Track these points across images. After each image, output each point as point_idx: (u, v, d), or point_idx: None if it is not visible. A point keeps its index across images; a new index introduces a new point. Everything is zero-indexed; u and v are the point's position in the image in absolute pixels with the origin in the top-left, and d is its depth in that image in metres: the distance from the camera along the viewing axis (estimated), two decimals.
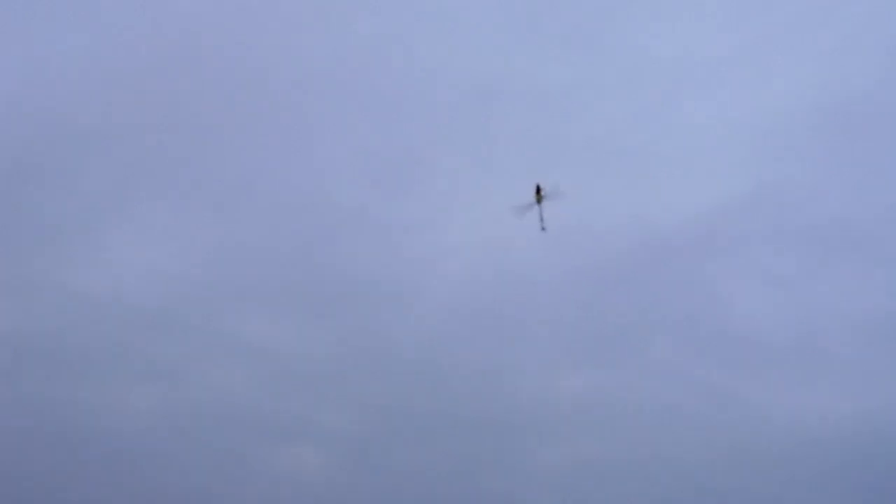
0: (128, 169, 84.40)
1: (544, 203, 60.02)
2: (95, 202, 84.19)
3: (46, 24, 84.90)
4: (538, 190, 59.78)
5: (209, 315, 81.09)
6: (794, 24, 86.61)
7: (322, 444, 78.20)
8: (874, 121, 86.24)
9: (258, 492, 74.89)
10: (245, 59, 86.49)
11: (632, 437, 77.92)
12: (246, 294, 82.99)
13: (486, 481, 76.36)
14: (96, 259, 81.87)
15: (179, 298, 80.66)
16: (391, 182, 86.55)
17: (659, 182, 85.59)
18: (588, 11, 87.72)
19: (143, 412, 77.33)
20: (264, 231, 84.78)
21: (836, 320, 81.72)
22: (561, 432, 78.31)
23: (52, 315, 79.07)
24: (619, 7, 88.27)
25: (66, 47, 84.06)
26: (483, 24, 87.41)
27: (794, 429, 76.83)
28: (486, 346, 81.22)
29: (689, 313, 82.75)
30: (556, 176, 74.74)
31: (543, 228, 60.73)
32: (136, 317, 79.90)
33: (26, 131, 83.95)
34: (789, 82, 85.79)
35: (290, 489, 75.41)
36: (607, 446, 77.78)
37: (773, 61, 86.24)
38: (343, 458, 77.88)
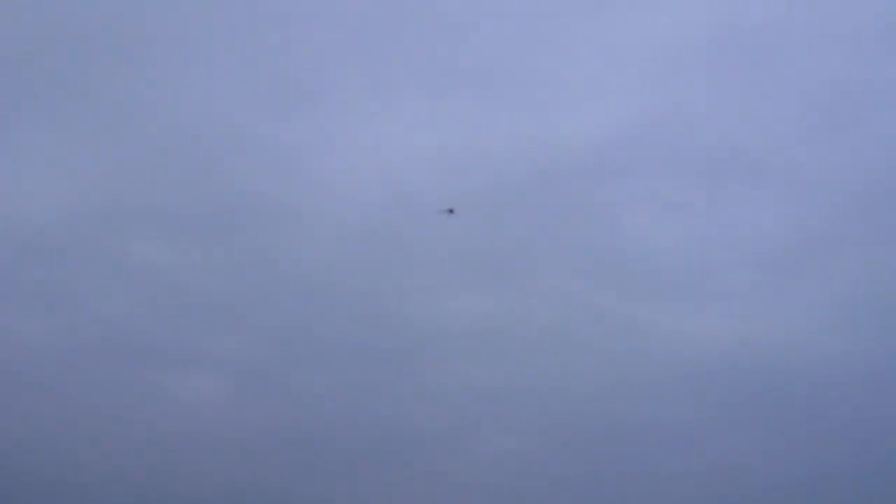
0: (9, 90, 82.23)
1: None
2: None
3: None
4: (450, 210, 74.86)
5: (99, 241, 79.70)
6: None
7: (216, 371, 77.74)
8: (767, 48, 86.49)
9: (152, 421, 74.54)
10: None
11: (523, 362, 78.26)
12: (136, 218, 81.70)
13: (380, 406, 76.92)
14: None
15: (67, 224, 79.15)
16: (282, 104, 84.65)
17: (554, 106, 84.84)
18: None
19: (31, 341, 76.09)
20: (153, 154, 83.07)
21: (728, 246, 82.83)
22: (452, 357, 78.39)
23: None
24: None
25: None
26: None
27: (686, 354, 77.70)
28: (378, 270, 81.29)
29: (582, 239, 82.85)
30: (448, 97, 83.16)
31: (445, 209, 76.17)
32: (23, 243, 78.36)
33: None
34: (684, 7, 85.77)
35: (185, 417, 75.14)
36: (499, 372, 78.06)
37: None
38: (237, 384, 77.61)
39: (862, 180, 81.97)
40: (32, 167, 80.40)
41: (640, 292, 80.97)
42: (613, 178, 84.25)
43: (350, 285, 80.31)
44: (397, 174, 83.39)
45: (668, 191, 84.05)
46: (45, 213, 78.69)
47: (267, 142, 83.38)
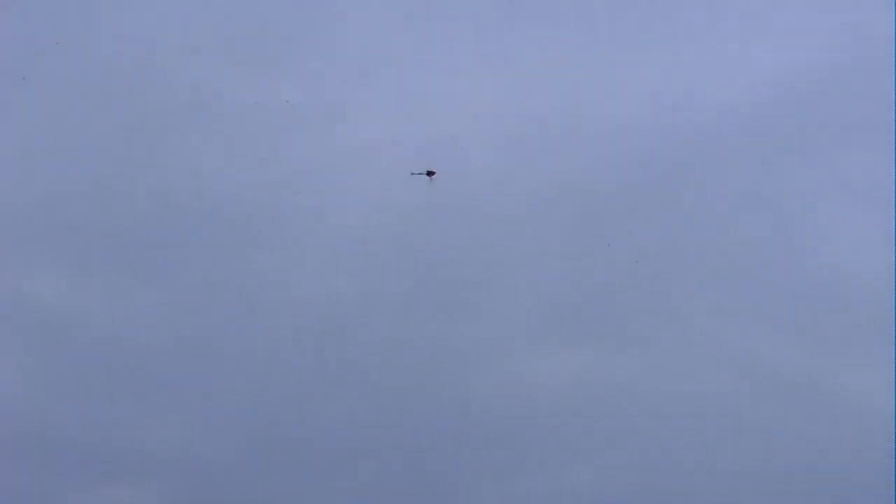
0: None
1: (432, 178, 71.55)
2: None
3: None
4: (430, 173, 71.06)
5: None
6: None
7: (162, 481, 63.55)
8: None
9: None
10: None
11: (658, 452, 64.12)
12: (27, 240, 68.01)
13: None
14: None
15: None
16: (255, 53, 72.67)
17: (698, 49, 72.51)
18: None
19: None
20: (54, 129, 69.69)
21: None
22: (545, 448, 64.70)
23: None
24: None
25: None
26: None
27: None
28: (416, 309, 68.19)
29: (744, 255, 68.80)
30: (533, 42, 72.31)
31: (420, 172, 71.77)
32: None
33: None
34: None
35: None
36: (618, 467, 63.92)
37: None
38: (193, 500, 63.65)
39: None
40: None
41: (840, 339, 66.72)
42: (791, 156, 70.86)
43: (369, 336, 66.93)
44: (440, 161, 71.39)
45: (878, 175, 69.31)
46: None
47: (230, 107, 71.66)
